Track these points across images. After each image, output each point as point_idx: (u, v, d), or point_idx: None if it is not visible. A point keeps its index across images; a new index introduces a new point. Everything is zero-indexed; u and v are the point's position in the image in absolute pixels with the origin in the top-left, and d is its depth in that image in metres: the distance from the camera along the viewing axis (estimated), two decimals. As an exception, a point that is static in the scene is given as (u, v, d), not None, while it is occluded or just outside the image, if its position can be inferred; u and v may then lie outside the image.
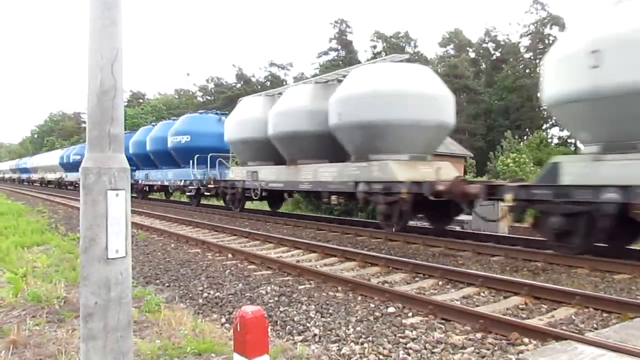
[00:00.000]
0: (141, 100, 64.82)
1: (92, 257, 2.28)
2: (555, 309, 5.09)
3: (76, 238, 10.19)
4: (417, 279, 6.67)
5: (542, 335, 4.03)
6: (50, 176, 38.66)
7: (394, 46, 52.40)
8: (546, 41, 47.43)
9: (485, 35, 55.01)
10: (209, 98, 58.80)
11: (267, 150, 15.06)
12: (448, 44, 56.82)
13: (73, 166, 32.88)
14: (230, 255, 8.55)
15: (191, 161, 19.39)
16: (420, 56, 53.70)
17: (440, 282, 6.39)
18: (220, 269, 7.51)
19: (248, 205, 18.51)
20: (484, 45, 54.95)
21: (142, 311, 4.91)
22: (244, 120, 16.03)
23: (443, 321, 4.72)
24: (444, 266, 7.03)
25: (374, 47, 55.33)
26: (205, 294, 6.07)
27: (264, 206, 19.01)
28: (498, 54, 53.25)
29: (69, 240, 10.12)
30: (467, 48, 55.56)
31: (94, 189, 2.29)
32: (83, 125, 73.50)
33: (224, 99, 52.43)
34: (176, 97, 63.37)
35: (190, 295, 6.10)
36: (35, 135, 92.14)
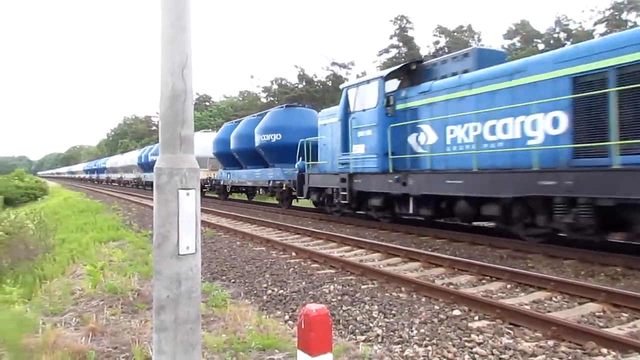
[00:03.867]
0: (207, 103, 67.09)
1: (164, 253, 2.39)
2: (637, 319, 4.73)
3: (148, 234, 10.74)
4: (483, 281, 6.45)
5: (623, 347, 3.76)
6: (81, 175, 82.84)
7: (457, 40, 50.87)
8: (624, 27, 44.20)
9: (555, 24, 52.10)
10: (272, 99, 59.89)
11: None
12: (514, 36, 54.37)
13: (86, 171, 75.91)
14: (293, 254, 8.67)
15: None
16: (486, 51, 51.41)
17: (509, 285, 6.13)
18: (284, 266, 7.63)
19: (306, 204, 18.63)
20: (555, 35, 52.05)
21: (209, 306, 5.09)
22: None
23: (511, 326, 4.53)
24: (513, 269, 6.74)
25: (437, 42, 53.97)
26: (270, 291, 6.19)
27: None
28: (570, 44, 50.33)
29: (142, 237, 10.69)
30: (536, 39, 52.93)
31: (166, 188, 2.39)
32: (153, 127, 77.17)
33: (287, 99, 53.24)
34: (240, 98, 65.05)
35: (255, 291, 6.25)
36: (110, 138, 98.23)
